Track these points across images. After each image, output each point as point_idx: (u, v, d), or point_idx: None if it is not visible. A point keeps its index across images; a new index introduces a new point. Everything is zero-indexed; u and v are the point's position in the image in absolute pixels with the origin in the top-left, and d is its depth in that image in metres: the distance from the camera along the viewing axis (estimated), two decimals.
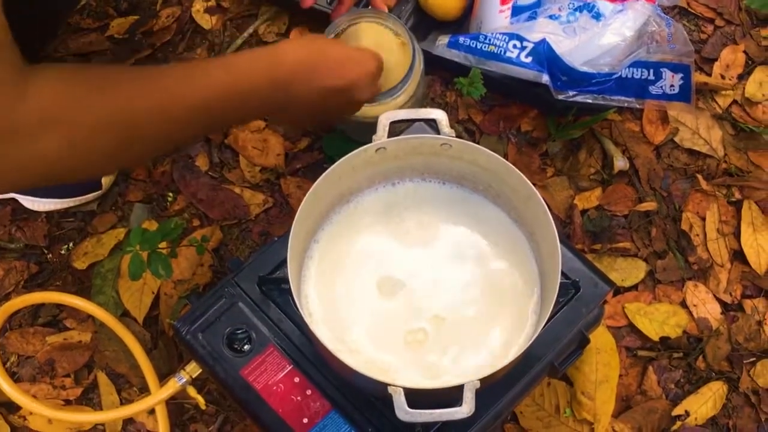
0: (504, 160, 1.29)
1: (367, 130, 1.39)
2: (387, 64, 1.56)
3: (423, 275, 1.36)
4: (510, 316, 1.33)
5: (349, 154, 1.29)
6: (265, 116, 1.49)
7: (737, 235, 1.87)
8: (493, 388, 1.30)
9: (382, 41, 1.66)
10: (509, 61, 1.79)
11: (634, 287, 1.80)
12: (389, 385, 1.12)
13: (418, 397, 1.13)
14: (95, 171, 1.18)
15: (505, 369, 1.19)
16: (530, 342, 1.21)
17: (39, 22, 1.57)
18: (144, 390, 1.69)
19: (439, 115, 1.34)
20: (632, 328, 1.76)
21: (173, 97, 1.18)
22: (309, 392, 1.37)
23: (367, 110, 1.60)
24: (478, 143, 1.34)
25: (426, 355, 1.30)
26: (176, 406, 1.68)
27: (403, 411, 1.11)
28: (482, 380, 1.14)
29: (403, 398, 1.11)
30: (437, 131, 1.34)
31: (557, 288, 1.21)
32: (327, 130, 1.86)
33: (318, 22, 1.85)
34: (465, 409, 1.11)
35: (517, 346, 1.31)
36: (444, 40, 1.87)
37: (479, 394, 1.13)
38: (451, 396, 1.16)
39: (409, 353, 1.30)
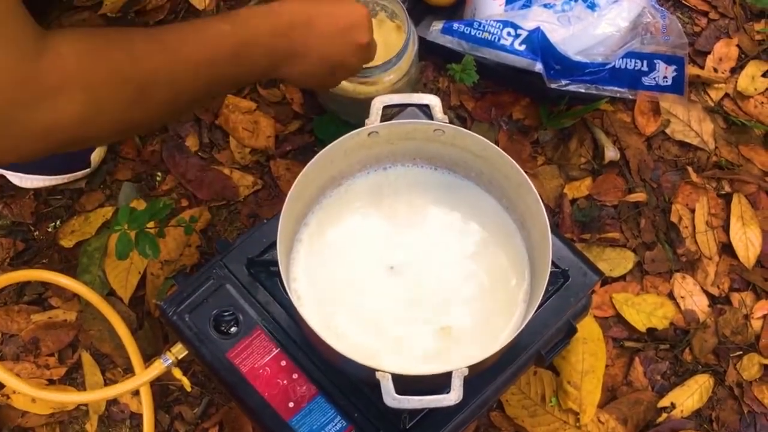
0: (497, 147, 1.29)
1: (360, 110, 1.38)
2: (381, 44, 1.57)
3: (412, 260, 1.36)
4: (499, 303, 1.33)
5: (342, 138, 1.28)
6: (275, 72, 1.45)
7: (726, 228, 1.87)
8: (480, 376, 1.29)
9: (377, 23, 1.66)
10: (503, 48, 1.79)
11: (622, 278, 1.80)
12: (377, 370, 1.12)
13: (405, 384, 1.12)
14: (108, 134, 1.19)
15: (493, 357, 1.19)
16: (519, 330, 1.21)
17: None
18: (128, 371, 1.68)
19: (433, 100, 1.33)
20: (619, 318, 1.76)
21: (180, 54, 1.20)
22: (295, 376, 1.36)
23: (361, 87, 1.59)
24: (469, 130, 1.33)
25: (414, 340, 1.30)
26: (161, 387, 1.67)
27: (391, 397, 1.10)
28: (470, 368, 1.13)
29: (391, 384, 1.11)
30: (430, 117, 1.33)
31: (547, 276, 1.20)
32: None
33: None
34: (453, 397, 1.11)
35: (505, 334, 1.30)
36: (438, 25, 1.87)
37: (466, 381, 1.12)
38: (438, 383, 1.15)
39: (397, 338, 1.29)
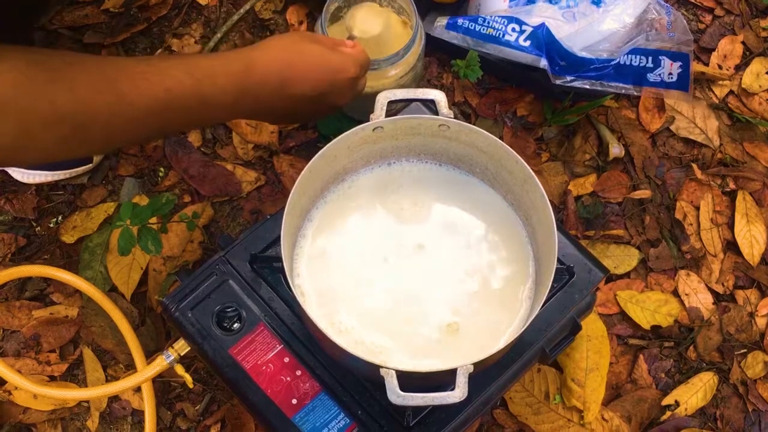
0: (502, 142, 1.28)
1: (364, 105, 1.38)
2: (388, 38, 1.59)
3: (417, 257, 1.35)
4: (504, 300, 1.33)
5: (346, 133, 1.28)
6: (229, 120, 1.44)
7: (731, 225, 1.86)
8: (484, 373, 1.29)
9: (383, 19, 1.65)
10: (507, 44, 1.78)
11: (627, 275, 1.80)
12: (381, 367, 1.11)
13: (410, 380, 1.12)
14: (44, 159, 1.15)
15: (498, 354, 1.18)
16: (524, 327, 1.20)
17: None
18: (130, 367, 1.67)
19: (438, 95, 1.33)
20: (624, 315, 1.76)
21: (127, 98, 1.14)
22: (299, 373, 1.36)
23: (365, 80, 1.59)
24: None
25: (418, 337, 1.29)
26: (163, 384, 1.66)
27: (395, 394, 1.10)
28: (475, 365, 1.13)
29: (395, 381, 1.10)
30: (435, 112, 1.33)
31: (552, 273, 1.20)
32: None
33: None
34: (457, 394, 1.11)
35: (510, 330, 1.30)
36: (442, 21, 1.86)
37: (470, 378, 1.12)
38: (443, 380, 1.15)
39: (401, 335, 1.29)
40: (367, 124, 1.29)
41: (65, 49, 1.84)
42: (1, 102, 1.01)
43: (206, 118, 1.33)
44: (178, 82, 1.20)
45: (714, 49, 2.05)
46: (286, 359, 1.37)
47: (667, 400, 1.70)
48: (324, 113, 1.48)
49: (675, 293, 1.79)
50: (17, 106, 1.03)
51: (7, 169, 1.77)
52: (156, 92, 1.17)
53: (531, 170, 1.26)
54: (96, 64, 1.15)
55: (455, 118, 1.30)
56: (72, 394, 1.60)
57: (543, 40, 1.74)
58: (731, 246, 1.85)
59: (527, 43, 1.76)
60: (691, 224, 1.85)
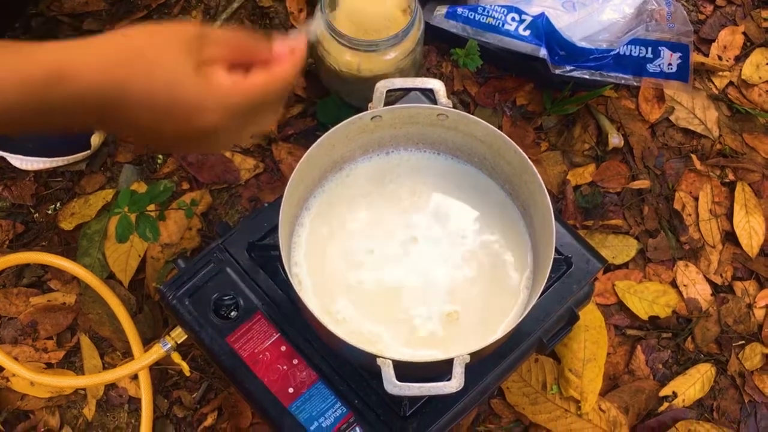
0: (500, 132, 1.28)
1: (363, 91, 1.37)
2: (387, 20, 1.59)
3: (414, 246, 1.35)
4: (501, 290, 1.32)
5: (344, 122, 1.27)
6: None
7: (730, 216, 1.86)
8: (481, 363, 1.29)
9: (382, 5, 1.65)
10: (507, 33, 1.78)
11: (625, 265, 1.80)
12: (378, 357, 1.11)
13: (406, 371, 1.12)
14: None
15: (495, 344, 1.18)
16: (522, 317, 1.20)
17: None
18: (127, 355, 1.67)
19: (437, 84, 1.32)
20: (621, 306, 1.76)
21: None
22: (296, 362, 1.36)
23: (365, 63, 1.58)
24: (472, 115, 1.32)
25: (416, 327, 1.29)
26: (160, 371, 1.66)
27: (392, 384, 1.10)
28: (472, 355, 1.12)
29: (391, 371, 1.10)
30: (434, 101, 1.32)
31: (550, 263, 1.19)
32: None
33: None
34: (454, 384, 1.10)
35: (507, 320, 1.30)
36: (442, 10, 1.85)
37: (467, 368, 1.12)
38: (440, 370, 1.15)
39: (398, 325, 1.29)
40: (365, 113, 1.29)
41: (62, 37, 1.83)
42: None
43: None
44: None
45: (714, 40, 2.05)
46: (283, 348, 1.36)
47: (665, 392, 1.70)
48: (189, 150, 1.21)
49: (673, 284, 1.78)
50: None
51: (5, 155, 1.77)
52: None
53: (529, 160, 1.25)
54: None
55: (454, 107, 1.30)
56: (69, 381, 1.61)
57: (543, 29, 1.74)
58: (730, 237, 1.85)
59: (527, 33, 1.76)
60: (690, 215, 1.85)
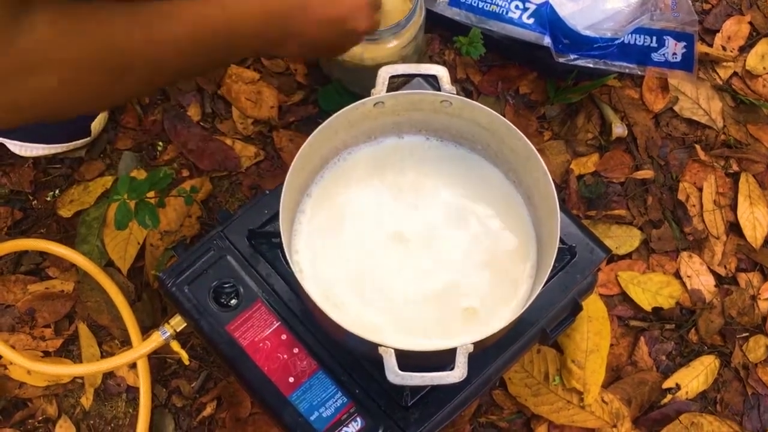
0: (504, 119, 1.27)
1: (365, 79, 1.36)
2: (389, 10, 1.58)
3: (417, 233, 1.34)
4: (505, 279, 1.31)
5: (347, 108, 1.26)
6: (259, 53, 1.44)
7: (734, 207, 1.85)
8: (483, 352, 1.27)
9: None
10: (511, 21, 1.77)
11: (628, 256, 1.79)
12: (380, 345, 1.10)
13: (408, 360, 1.11)
14: (86, 108, 1.17)
15: (498, 334, 1.17)
16: (525, 307, 1.19)
17: None
18: (126, 343, 1.66)
19: (440, 71, 1.31)
20: (625, 297, 1.75)
21: (162, 35, 1.15)
22: (296, 350, 1.35)
23: (368, 52, 1.57)
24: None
25: (418, 315, 1.28)
26: (158, 360, 1.65)
27: (394, 373, 1.09)
28: (475, 344, 1.11)
29: (394, 360, 1.09)
30: (437, 88, 1.31)
31: (555, 253, 1.18)
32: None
33: None
34: (457, 374, 1.09)
35: (511, 310, 1.28)
36: None
37: (469, 358, 1.11)
38: (442, 359, 1.14)
39: (400, 313, 1.27)
40: (368, 99, 1.27)
41: None
42: (44, 53, 1.02)
43: (238, 49, 1.32)
44: (208, 14, 1.20)
45: (718, 30, 2.04)
46: (284, 336, 1.35)
47: (668, 384, 1.69)
48: (349, 40, 1.45)
49: (677, 275, 1.77)
50: (58, 56, 1.03)
51: (4, 141, 1.76)
52: (190, 27, 1.18)
53: (533, 148, 1.24)
54: (127, 7, 1.14)
55: (457, 94, 1.29)
56: (67, 370, 1.60)
57: (547, 17, 1.73)
58: (734, 228, 1.84)
59: (531, 21, 1.75)
60: (694, 205, 1.84)
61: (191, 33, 1.18)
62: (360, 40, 1.46)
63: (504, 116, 1.79)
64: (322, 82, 1.84)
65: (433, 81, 1.33)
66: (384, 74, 1.29)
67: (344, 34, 1.42)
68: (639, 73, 1.83)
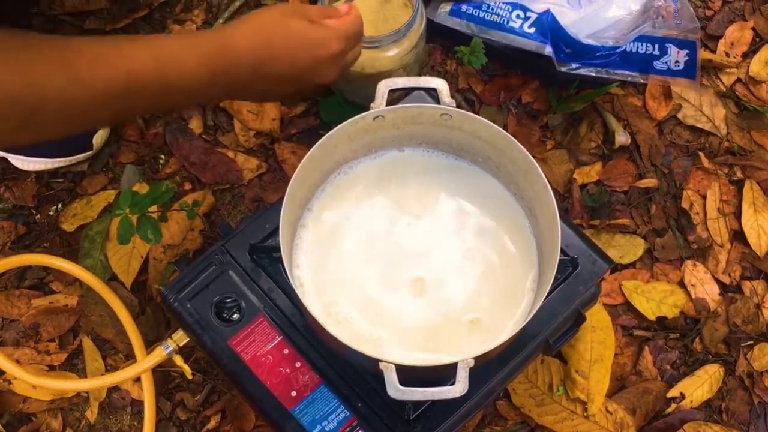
0: (504, 132, 1.26)
1: (366, 89, 1.36)
2: (388, 19, 1.60)
3: (418, 247, 1.34)
4: (507, 291, 1.31)
5: (346, 122, 1.26)
6: (205, 103, 1.41)
7: (738, 215, 1.84)
8: (486, 365, 1.27)
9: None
10: (512, 31, 1.77)
11: (632, 265, 1.78)
12: (381, 360, 1.10)
13: (410, 374, 1.11)
14: (4, 143, 1.12)
15: (500, 347, 1.17)
16: (527, 320, 1.19)
17: None
18: (130, 357, 1.66)
19: (440, 84, 1.31)
20: (629, 306, 1.74)
21: (83, 80, 1.09)
22: (298, 365, 1.35)
23: (368, 60, 1.57)
24: (477, 113, 1.32)
25: (419, 329, 1.28)
26: (163, 374, 1.65)
27: (395, 388, 1.09)
28: (476, 358, 1.11)
29: (394, 375, 1.09)
30: (437, 101, 1.31)
31: (556, 265, 1.18)
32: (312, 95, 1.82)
33: None
34: (458, 388, 1.09)
35: (513, 322, 1.28)
36: (446, 7, 1.84)
37: (472, 371, 1.11)
38: (444, 374, 1.14)
39: (401, 327, 1.27)
40: (367, 113, 1.27)
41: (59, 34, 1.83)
42: None
43: (173, 102, 1.29)
44: (140, 65, 1.15)
45: (721, 37, 2.03)
46: (286, 351, 1.35)
47: (673, 393, 1.68)
48: (309, 91, 1.46)
49: (681, 284, 1.77)
50: None
51: (7, 156, 1.76)
52: (116, 75, 1.12)
53: (534, 161, 1.24)
54: (56, 45, 1.11)
55: (459, 105, 1.29)
56: (71, 385, 1.60)
57: (548, 26, 1.73)
58: (738, 236, 1.83)
59: (532, 30, 1.75)
60: (698, 213, 1.83)
61: (119, 86, 1.13)
62: (324, 87, 1.46)
63: (506, 126, 1.80)
64: (324, 94, 1.84)
65: (433, 94, 1.34)
66: (383, 88, 1.29)
67: (303, 87, 1.41)
68: (641, 81, 1.83)
